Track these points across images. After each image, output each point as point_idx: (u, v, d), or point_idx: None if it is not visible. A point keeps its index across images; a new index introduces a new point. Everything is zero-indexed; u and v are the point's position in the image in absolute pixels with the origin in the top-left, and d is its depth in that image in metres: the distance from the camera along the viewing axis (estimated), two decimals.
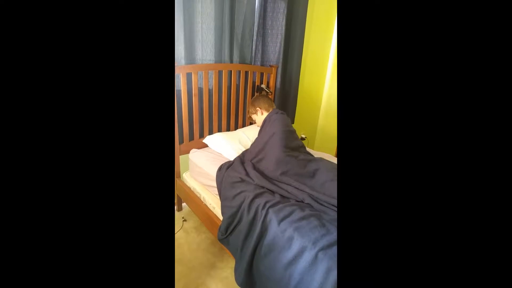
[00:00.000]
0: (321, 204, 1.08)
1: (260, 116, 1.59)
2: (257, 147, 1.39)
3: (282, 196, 1.13)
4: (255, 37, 1.74)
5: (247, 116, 1.73)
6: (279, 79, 1.92)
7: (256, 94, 1.87)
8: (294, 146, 1.39)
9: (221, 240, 1.15)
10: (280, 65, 1.87)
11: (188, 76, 1.46)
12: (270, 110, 1.57)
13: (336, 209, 1.05)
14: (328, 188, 1.12)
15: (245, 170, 1.26)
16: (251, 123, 1.90)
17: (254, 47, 1.77)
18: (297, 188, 1.16)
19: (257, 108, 1.59)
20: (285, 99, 2.10)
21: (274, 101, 1.99)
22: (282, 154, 1.26)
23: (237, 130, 1.77)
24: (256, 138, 1.49)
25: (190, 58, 1.48)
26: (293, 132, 1.47)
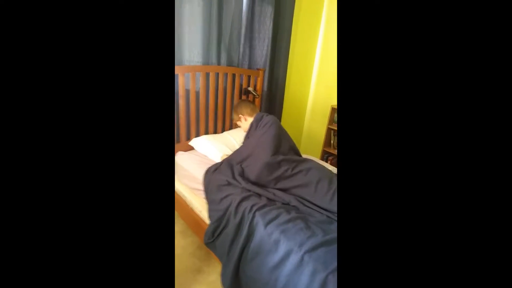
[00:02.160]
0: (308, 207, 1.09)
1: (244, 122, 1.57)
2: (247, 150, 1.36)
3: (268, 199, 1.13)
4: (242, 40, 1.75)
5: (233, 122, 1.70)
6: (266, 83, 1.94)
7: (242, 97, 1.87)
8: (284, 150, 1.36)
9: (207, 244, 1.14)
10: (267, 68, 1.89)
11: (175, 78, 1.45)
12: (254, 115, 1.55)
13: (322, 211, 1.07)
14: (319, 191, 1.13)
15: (232, 173, 1.25)
16: (237, 126, 1.90)
17: (241, 50, 1.78)
18: (284, 191, 1.18)
19: (240, 115, 1.57)
20: (272, 102, 2.11)
21: (261, 104, 2.00)
22: (270, 159, 1.25)
23: (224, 132, 1.76)
24: (246, 141, 1.47)
25: (177, 60, 1.46)
26: (284, 134, 1.44)
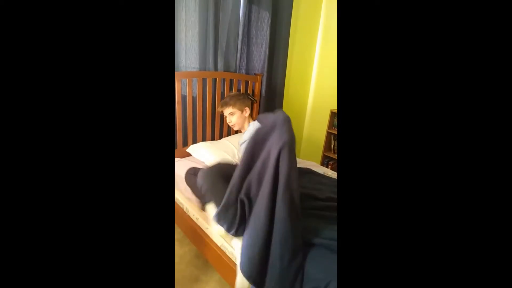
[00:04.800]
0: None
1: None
2: None
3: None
4: (239, 46, 1.75)
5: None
6: (264, 88, 1.93)
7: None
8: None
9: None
10: (265, 73, 1.88)
11: None
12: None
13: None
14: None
15: None
16: (236, 132, 1.88)
17: (238, 55, 1.77)
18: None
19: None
20: (270, 107, 2.10)
21: (259, 110, 1.99)
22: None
23: (222, 139, 1.75)
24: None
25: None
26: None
